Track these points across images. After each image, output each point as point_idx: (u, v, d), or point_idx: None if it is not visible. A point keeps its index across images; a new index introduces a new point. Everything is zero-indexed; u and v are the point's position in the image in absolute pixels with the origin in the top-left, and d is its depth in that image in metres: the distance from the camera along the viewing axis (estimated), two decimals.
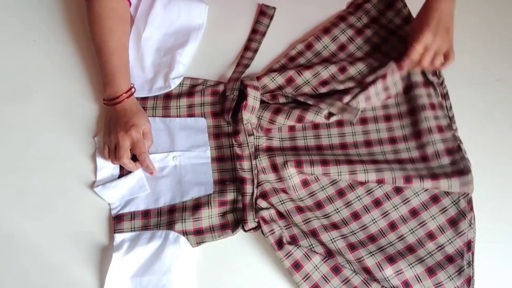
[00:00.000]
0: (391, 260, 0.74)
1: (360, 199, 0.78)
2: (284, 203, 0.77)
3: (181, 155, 0.80)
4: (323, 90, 0.82)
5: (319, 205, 0.78)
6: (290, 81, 0.83)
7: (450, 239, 0.76)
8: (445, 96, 0.84)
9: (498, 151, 0.83)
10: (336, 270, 0.74)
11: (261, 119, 0.80)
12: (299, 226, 0.76)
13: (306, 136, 0.82)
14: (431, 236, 0.76)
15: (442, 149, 0.80)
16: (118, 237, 0.76)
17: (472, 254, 0.76)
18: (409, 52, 0.79)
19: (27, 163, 0.81)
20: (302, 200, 0.78)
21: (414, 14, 0.87)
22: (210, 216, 0.76)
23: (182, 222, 0.75)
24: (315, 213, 0.77)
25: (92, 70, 0.85)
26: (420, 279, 0.73)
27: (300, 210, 0.77)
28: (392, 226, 0.77)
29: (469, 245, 0.76)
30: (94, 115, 0.83)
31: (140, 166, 0.78)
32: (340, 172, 0.77)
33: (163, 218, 0.77)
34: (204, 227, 0.76)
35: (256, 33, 0.88)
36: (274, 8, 0.90)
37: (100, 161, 0.80)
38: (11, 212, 0.78)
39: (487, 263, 0.77)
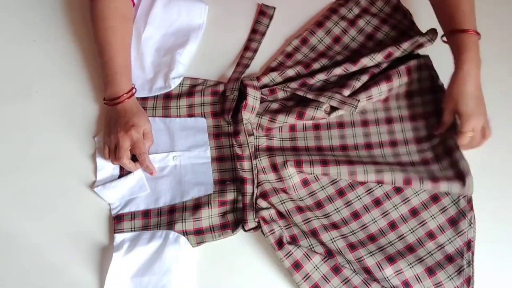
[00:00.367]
0: (391, 260, 0.74)
1: (360, 198, 0.78)
2: (284, 203, 0.77)
3: (181, 155, 0.80)
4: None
5: (319, 205, 0.78)
6: (289, 81, 0.83)
7: (450, 239, 0.76)
8: None
9: (498, 151, 0.83)
10: (336, 270, 0.74)
11: (261, 118, 0.80)
12: (299, 226, 0.76)
13: (306, 137, 0.81)
14: (431, 235, 0.76)
15: (441, 152, 0.79)
16: (118, 237, 0.76)
17: (472, 253, 0.76)
18: (460, 139, 0.75)
19: (27, 163, 0.81)
20: (302, 200, 0.78)
21: (415, 16, 0.87)
22: (210, 216, 0.76)
23: (182, 222, 0.75)
24: (315, 212, 0.77)
25: (92, 70, 0.85)
26: (420, 279, 0.73)
27: (300, 210, 0.77)
28: (392, 225, 0.77)
29: (469, 245, 0.76)
30: (94, 115, 0.83)
31: (140, 166, 0.78)
32: (340, 173, 0.77)
33: (163, 218, 0.77)
34: (204, 227, 0.76)
35: (256, 33, 0.88)
36: (274, 8, 0.90)
37: (100, 161, 0.80)
38: (11, 212, 0.78)
39: (487, 263, 0.77)
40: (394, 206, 0.78)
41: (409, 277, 0.73)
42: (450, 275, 0.74)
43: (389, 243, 0.76)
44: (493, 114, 0.85)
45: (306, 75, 0.83)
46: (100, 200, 0.78)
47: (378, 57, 0.81)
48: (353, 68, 0.81)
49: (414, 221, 0.77)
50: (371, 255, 0.74)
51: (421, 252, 0.75)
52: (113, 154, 0.77)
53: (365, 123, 0.82)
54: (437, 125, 0.80)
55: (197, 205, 0.77)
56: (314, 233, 0.75)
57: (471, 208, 0.77)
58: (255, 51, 0.87)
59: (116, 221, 0.77)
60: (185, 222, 0.75)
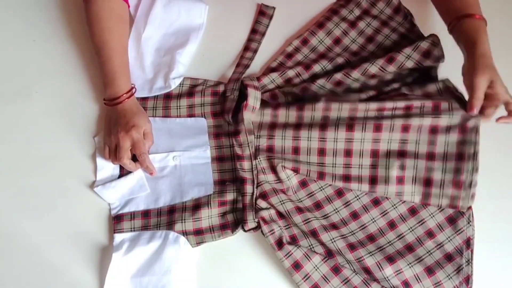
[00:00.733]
0: (390, 259, 0.74)
1: (359, 198, 0.78)
2: (284, 203, 0.77)
3: (181, 155, 0.80)
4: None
5: (318, 206, 0.78)
6: (289, 81, 0.83)
7: (449, 237, 0.76)
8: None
9: (498, 151, 0.83)
10: (336, 270, 0.74)
11: (263, 115, 0.80)
12: (299, 226, 0.76)
13: (310, 137, 0.78)
14: (430, 234, 0.76)
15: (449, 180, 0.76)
16: (118, 237, 0.76)
17: (471, 251, 0.76)
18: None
19: (27, 163, 0.81)
20: (301, 201, 0.78)
21: (415, 14, 0.87)
22: (210, 216, 0.76)
23: (182, 222, 0.75)
24: (315, 213, 0.77)
25: (92, 70, 0.85)
26: (420, 279, 0.74)
27: (299, 210, 0.77)
28: (391, 225, 0.77)
29: (468, 243, 0.76)
30: (94, 115, 0.83)
31: (140, 166, 0.78)
32: (334, 182, 0.77)
33: (163, 218, 0.77)
34: (204, 227, 0.76)
35: (256, 33, 0.88)
36: (274, 8, 0.90)
37: (100, 161, 0.80)
38: (11, 212, 0.78)
39: (487, 263, 0.77)
40: (393, 206, 0.78)
41: (408, 277, 0.74)
42: (449, 274, 0.74)
43: (388, 243, 0.76)
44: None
45: (307, 80, 0.83)
46: (100, 200, 0.78)
47: (379, 62, 0.81)
48: (354, 72, 0.81)
49: (413, 220, 0.77)
50: (371, 255, 0.74)
51: (420, 252, 0.75)
52: (114, 154, 0.77)
53: (378, 128, 0.78)
54: (472, 100, 0.72)
55: (196, 205, 0.77)
56: (314, 233, 0.75)
57: (469, 207, 0.77)
58: (255, 51, 0.86)
59: (116, 221, 0.77)
60: (184, 222, 0.75)
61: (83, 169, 0.80)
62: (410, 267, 0.74)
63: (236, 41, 0.88)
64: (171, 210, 0.77)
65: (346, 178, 0.77)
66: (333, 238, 0.75)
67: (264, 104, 0.81)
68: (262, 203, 0.76)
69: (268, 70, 0.86)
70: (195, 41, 0.87)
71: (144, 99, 0.83)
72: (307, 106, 0.78)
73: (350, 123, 0.76)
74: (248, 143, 0.77)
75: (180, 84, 0.84)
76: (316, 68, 0.83)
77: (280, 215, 0.77)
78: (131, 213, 0.78)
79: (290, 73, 0.83)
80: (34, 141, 0.82)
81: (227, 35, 0.89)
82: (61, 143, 0.82)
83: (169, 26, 0.87)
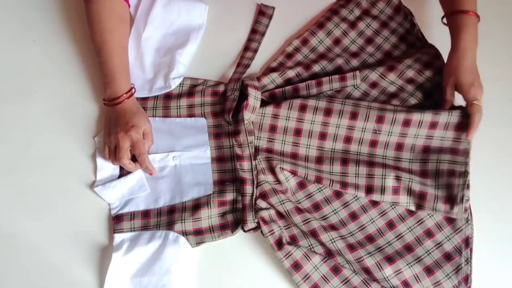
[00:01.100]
0: (390, 260, 0.74)
1: (358, 199, 0.78)
2: (283, 203, 0.77)
3: (181, 155, 0.80)
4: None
5: (316, 207, 0.78)
6: (295, 91, 0.83)
7: (448, 236, 0.76)
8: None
9: (498, 151, 0.83)
10: (336, 270, 0.74)
11: (263, 116, 0.80)
12: (298, 226, 0.76)
13: (309, 145, 0.80)
14: (429, 233, 0.76)
15: (443, 170, 0.77)
16: (118, 237, 0.76)
17: (471, 250, 0.76)
18: (471, 109, 0.75)
19: (27, 163, 0.81)
20: (300, 203, 0.78)
21: (415, 14, 0.87)
22: (209, 216, 0.76)
23: (181, 222, 0.75)
24: (313, 215, 0.77)
25: (92, 70, 0.85)
26: (419, 279, 0.74)
27: (299, 210, 0.77)
28: (390, 225, 0.77)
29: (467, 242, 0.76)
30: (94, 115, 0.83)
31: (140, 166, 0.78)
32: (332, 185, 0.77)
33: (162, 218, 0.77)
34: (203, 227, 0.76)
35: (256, 33, 0.88)
36: (273, 8, 0.90)
37: (100, 161, 0.80)
38: (11, 212, 0.78)
39: (487, 263, 0.77)
40: (391, 206, 0.78)
41: (408, 277, 0.74)
42: (448, 274, 0.74)
43: (387, 243, 0.76)
44: (493, 114, 0.85)
45: (292, 69, 0.83)
46: (100, 200, 0.78)
47: (380, 69, 0.82)
48: (353, 80, 0.82)
49: (412, 219, 0.77)
50: (370, 256, 0.74)
51: (420, 251, 0.75)
52: (113, 154, 0.77)
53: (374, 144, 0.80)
54: (445, 104, 0.79)
55: (196, 206, 0.77)
56: (313, 234, 0.75)
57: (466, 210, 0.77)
58: (255, 51, 0.86)
59: (116, 221, 0.77)
60: (184, 222, 0.75)
61: (83, 169, 0.80)
62: (409, 267, 0.74)
63: (236, 41, 0.88)
64: (171, 210, 0.77)
65: (343, 185, 0.77)
66: (332, 239, 0.75)
67: (264, 104, 0.81)
68: (262, 203, 0.76)
69: (268, 70, 0.86)
70: (195, 41, 0.87)
71: (144, 99, 0.83)
72: (308, 108, 0.78)
73: (348, 136, 0.79)
74: (248, 144, 0.77)
75: (180, 84, 0.84)
76: (316, 68, 0.83)
77: (280, 215, 0.77)
78: (131, 213, 0.78)
79: (290, 73, 0.83)
80: (34, 141, 0.82)
81: (227, 35, 0.89)
82: (61, 143, 0.82)
83: (169, 26, 0.87)
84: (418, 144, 0.79)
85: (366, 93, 0.83)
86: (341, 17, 0.88)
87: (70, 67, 0.86)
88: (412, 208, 0.77)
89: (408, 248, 0.76)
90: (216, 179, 0.79)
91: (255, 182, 0.76)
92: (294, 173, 0.78)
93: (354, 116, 0.78)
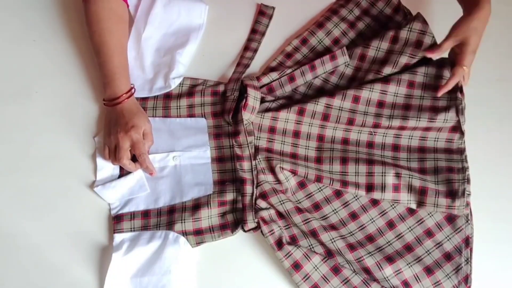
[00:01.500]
0: (390, 259, 0.74)
1: (358, 198, 0.78)
2: (283, 203, 0.77)
3: (181, 155, 0.80)
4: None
5: (316, 207, 0.78)
6: (291, 79, 0.83)
7: (448, 236, 0.76)
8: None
9: (498, 151, 0.83)
10: (336, 270, 0.74)
11: (263, 118, 0.80)
12: (298, 226, 0.76)
13: (308, 146, 0.81)
14: (429, 233, 0.76)
15: (442, 167, 0.78)
16: (118, 237, 0.76)
17: (471, 250, 0.76)
18: (457, 71, 0.76)
19: (27, 163, 0.81)
20: (300, 202, 0.78)
21: (413, 11, 0.87)
22: (209, 216, 0.76)
23: (181, 222, 0.75)
24: (314, 214, 0.77)
25: (92, 70, 0.85)
26: (419, 279, 0.74)
27: (299, 210, 0.77)
28: (390, 224, 0.77)
29: (467, 241, 0.76)
30: (94, 115, 0.83)
31: (140, 166, 0.78)
32: (332, 184, 0.77)
33: (162, 218, 0.77)
34: (203, 227, 0.76)
35: (256, 33, 0.88)
36: (273, 8, 0.90)
37: (100, 161, 0.80)
38: (11, 212, 0.78)
39: (487, 263, 0.77)
40: (391, 205, 0.78)
41: (408, 277, 0.74)
42: (448, 274, 0.74)
43: (387, 243, 0.76)
44: (493, 114, 0.85)
45: (291, 69, 0.83)
46: (100, 200, 0.78)
47: (380, 77, 0.82)
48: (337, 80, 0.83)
49: (412, 219, 0.77)
50: (370, 255, 0.74)
51: (420, 251, 0.75)
52: (113, 154, 0.77)
53: (370, 145, 0.81)
54: (437, 47, 0.76)
55: (196, 206, 0.77)
56: (313, 233, 0.75)
57: (467, 205, 0.77)
58: (255, 51, 0.86)
59: (116, 221, 0.77)
60: (184, 222, 0.75)
61: (83, 169, 0.80)
62: (409, 267, 0.74)
63: (236, 41, 0.88)
64: (171, 210, 0.77)
65: (344, 183, 0.77)
66: (332, 238, 0.75)
67: (265, 106, 0.81)
68: (262, 203, 0.76)
69: (268, 69, 0.86)
70: (195, 41, 0.87)
71: (144, 99, 0.83)
72: (307, 112, 0.79)
73: (346, 138, 0.81)
74: (247, 144, 0.77)
75: (180, 84, 0.84)
76: (319, 70, 0.83)
77: (280, 215, 0.77)
78: (131, 213, 0.78)
79: (289, 72, 0.83)
80: (34, 141, 0.82)
81: (227, 35, 0.89)
82: (61, 143, 0.82)
83: (169, 26, 0.87)
84: (413, 145, 0.80)
85: (358, 68, 0.83)
86: (340, 17, 0.88)
87: (70, 67, 0.86)
88: (413, 206, 0.77)
89: (408, 248, 0.76)
90: (216, 179, 0.79)
91: (255, 182, 0.76)
92: (294, 172, 0.78)
93: (350, 122, 0.80)
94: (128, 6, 0.84)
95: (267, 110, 0.81)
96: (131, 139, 0.75)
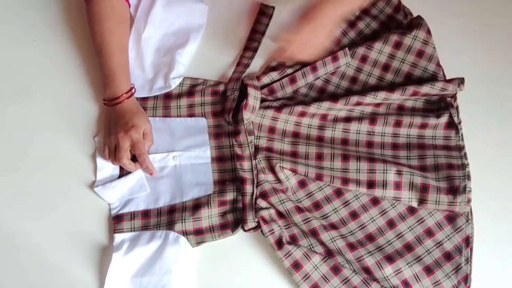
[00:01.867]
0: (390, 259, 0.74)
1: (358, 198, 0.78)
2: (283, 202, 0.77)
3: (181, 155, 0.80)
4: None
5: (317, 206, 0.78)
6: (292, 80, 0.83)
7: (448, 235, 0.76)
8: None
9: (498, 151, 0.83)
10: (336, 270, 0.74)
11: (263, 117, 0.80)
12: (299, 226, 0.76)
13: (308, 143, 0.81)
14: (429, 233, 0.76)
15: (442, 164, 0.79)
16: (118, 237, 0.76)
17: (471, 249, 0.76)
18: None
19: (27, 163, 0.81)
20: (300, 202, 0.78)
21: (414, 12, 0.87)
22: (210, 216, 0.76)
23: (182, 222, 0.75)
24: (314, 214, 0.77)
25: (92, 70, 0.85)
26: (419, 278, 0.74)
27: (299, 209, 0.77)
28: (391, 224, 0.77)
29: (467, 241, 0.76)
30: (94, 115, 0.83)
31: (140, 166, 0.78)
32: (333, 182, 0.77)
33: (163, 218, 0.77)
34: (204, 227, 0.76)
35: (256, 33, 0.88)
36: (273, 8, 0.90)
37: (100, 161, 0.80)
38: (11, 212, 0.78)
39: (487, 263, 0.77)
40: (392, 205, 0.78)
41: (408, 277, 0.74)
42: (447, 274, 0.74)
43: (387, 242, 0.76)
44: (493, 114, 0.85)
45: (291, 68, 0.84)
46: (100, 200, 0.78)
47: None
48: (353, 86, 0.83)
49: (412, 219, 0.77)
50: (370, 255, 0.74)
51: (420, 251, 0.75)
52: (113, 154, 0.77)
53: (370, 145, 0.82)
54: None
55: (196, 205, 0.77)
56: (314, 233, 0.75)
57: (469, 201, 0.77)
58: (256, 50, 0.86)
59: (116, 221, 0.77)
60: (184, 222, 0.75)
61: (83, 169, 0.80)
62: (409, 266, 0.74)
63: (236, 41, 0.88)
64: (171, 210, 0.77)
65: (344, 181, 0.77)
66: (333, 238, 0.75)
67: (266, 106, 0.81)
68: (262, 203, 0.76)
69: (268, 69, 0.86)
70: (195, 41, 0.87)
71: (144, 99, 0.83)
72: (308, 114, 0.80)
73: (345, 139, 0.81)
74: (248, 143, 0.77)
75: (180, 84, 0.84)
76: (320, 71, 0.83)
77: (280, 214, 0.77)
78: (131, 213, 0.78)
79: (290, 72, 0.83)
80: (34, 141, 0.82)
81: (227, 35, 0.89)
82: (61, 143, 0.82)
83: (169, 26, 0.87)
84: (412, 142, 0.81)
85: (359, 69, 0.84)
86: None
87: (70, 67, 0.86)
88: (415, 204, 0.77)
89: (408, 248, 0.76)
90: (216, 179, 0.79)
91: (255, 182, 0.76)
92: (294, 171, 0.78)
93: (348, 119, 0.81)
94: (129, 6, 0.84)
95: (268, 108, 0.81)
96: (131, 139, 0.75)
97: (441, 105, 0.82)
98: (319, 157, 0.79)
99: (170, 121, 0.82)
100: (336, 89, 0.84)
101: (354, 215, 0.77)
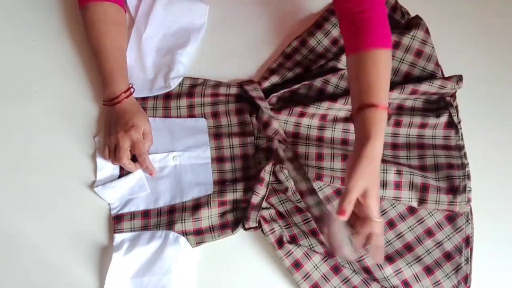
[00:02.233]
0: (390, 259, 0.74)
1: None
2: (283, 203, 0.77)
3: (181, 155, 0.80)
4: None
5: None
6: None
7: (448, 235, 0.76)
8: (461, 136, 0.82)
9: (498, 151, 0.83)
10: (336, 269, 0.74)
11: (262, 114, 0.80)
12: (299, 226, 0.76)
13: (308, 144, 0.81)
14: (429, 233, 0.77)
15: (442, 164, 0.79)
16: (118, 237, 0.76)
17: (471, 249, 0.76)
18: (376, 228, 0.65)
19: (27, 163, 0.81)
20: (300, 202, 0.78)
21: (413, 12, 0.87)
22: (209, 216, 0.76)
23: (181, 222, 0.75)
24: None
25: (92, 70, 0.85)
26: (419, 278, 0.74)
27: (299, 210, 0.77)
28: (391, 224, 0.77)
29: (467, 241, 0.76)
30: (94, 115, 0.83)
31: (139, 166, 0.78)
32: (333, 182, 0.77)
33: (162, 218, 0.77)
34: (203, 227, 0.76)
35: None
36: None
37: (100, 161, 0.80)
38: (11, 212, 0.78)
39: (487, 263, 0.77)
40: (392, 205, 0.78)
41: (408, 277, 0.74)
42: (447, 274, 0.74)
43: (387, 242, 0.76)
44: (493, 114, 0.85)
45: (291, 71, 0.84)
46: (100, 200, 0.78)
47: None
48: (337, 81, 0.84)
49: (413, 219, 0.77)
50: None
51: (420, 251, 0.75)
52: (113, 154, 0.77)
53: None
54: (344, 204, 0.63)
55: (196, 205, 0.77)
56: (314, 233, 0.75)
57: (469, 201, 0.77)
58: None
59: (116, 221, 0.77)
60: (184, 222, 0.75)
61: (83, 169, 0.80)
62: (409, 266, 0.74)
63: (236, 41, 0.88)
64: (171, 210, 0.77)
65: (344, 180, 0.77)
66: None
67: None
68: (262, 203, 0.76)
69: (268, 71, 0.86)
70: (196, 41, 0.87)
71: (144, 99, 0.83)
72: (307, 114, 0.80)
73: (345, 138, 0.82)
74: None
75: (180, 84, 0.84)
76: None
77: (280, 214, 0.77)
78: (131, 213, 0.78)
79: (290, 75, 0.83)
80: (34, 141, 0.82)
81: (228, 35, 0.89)
82: (61, 143, 0.82)
83: (169, 26, 0.87)
84: (412, 142, 0.81)
85: None
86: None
87: (70, 67, 0.86)
88: (415, 204, 0.77)
89: (408, 248, 0.76)
90: (216, 179, 0.79)
91: (268, 186, 0.76)
92: None
93: (347, 120, 0.82)
94: (124, 8, 0.83)
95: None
96: (131, 139, 0.75)
97: (441, 105, 0.82)
98: (319, 157, 0.79)
99: (170, 122, 0.82)
100: (335, 89, 0.84)
101: None
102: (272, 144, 0.77)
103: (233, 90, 0.82)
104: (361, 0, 0.67)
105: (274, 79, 0.83)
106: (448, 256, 0.75)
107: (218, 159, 0.80)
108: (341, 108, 0.81)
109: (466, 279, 0.74)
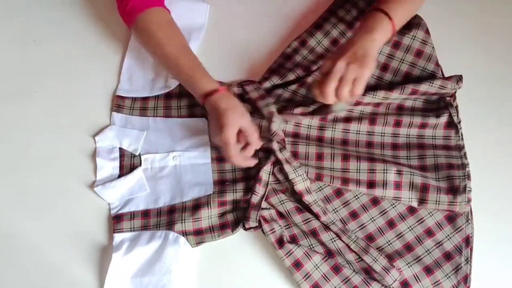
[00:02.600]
0: (389, 259, 0.74)
1: (358, 198, 0.78)
2: (283, 203, 0.77)
3: (181, 155, 0.80)
4: None
5: None
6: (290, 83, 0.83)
7: (448, 235, 0.76)
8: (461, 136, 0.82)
9: (498, 151, 0.83)
10: (336, 269, 0.74)
11: (263, 120, 0.80)
12: (299, 226, 0.76)
13: (308, 143, 0.80)
14: (429, 233, 0.77)
15: (442, 164, 0.79)
16: (118, 237, 0.76)
17: (471, 249, 0.76)
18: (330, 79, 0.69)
19: (27, 163, 0.81)
20: (300, 202, 0.78)
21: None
22: (209, 216, 0.76)
23: (181, 222, 0.75)
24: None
25: (92, 70, 0.85)
26: (419, 278, 0.74)
27: (299, 210, 0.77)
28: (391, 224, 0.77)
29: (467, 241, 0.76)
30: (94, 115, 0.83)
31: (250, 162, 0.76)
32: (333, 182, 0.77)
33: (162, 218, 0.77)
34: (203, 227, 0.76)
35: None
36: None
37: (100, 161, 0.80)
38: (11, 212, 0.78)
39: (487, 263, 0.77)
40: (392, 205, 0.78)
41: (408, 277, 0.74)
42: (447, 274, 0.74)
43: (387, 242, 0.76)
44: (493, 114, 0.85)
45: (291, 72, 0.84)
46: (100, 200, 0.78)
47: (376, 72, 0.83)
48: None
49: (413, 218, 0.77)
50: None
51: (419, 251, 0.75)
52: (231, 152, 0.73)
53: (370, 144, 0.82)
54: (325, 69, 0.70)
55: (196, 206, 0.77)
56: (314, 233, 0.75)
57: (469, 201, 0.77)
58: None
59: (116, 221, 0.77)
60: (184, 222, 0.75)
61: (83, 169, 0.80)
62: (409, 266, 0.74)
63: (237, 41, 0.88)
64: (171, 210, 0.77)
65: (344, 181, 0.77)
66: (333, 238, 0.75)
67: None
68: (262, 203, 0.76)
69: (268, 72, 0.86)
70: (196, 41, 0.87)
71: (145, 99, 0.83)
72: (308, 113, 0.80)
73: (345, 139, 0.81)
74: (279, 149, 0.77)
75: (180, 83, 0.83)
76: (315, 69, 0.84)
77: (280, 215, 0.77)
78: (131, 213, 0.78)
79: (290, 76, 0.83)
80: (34, 141, 0.82)
81: (228, 35, 0.89)
82: (61, 143, 0.82)
83: None
84: (412, 142, 0.81)
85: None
86: (338, 18, 0.88)
87: (70, 67, 0.86)
88: (415, 204, 0.77)
89: (408, 248, 0.76)
90: (216, 179, 0.79)
91: (268, 186, 0.76)
92: None
93: (348, 120, 0.81)
94: (166, 8, 0.80)
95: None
96: (241, 127, 0.72)
97: (441, 105, 0.82)
98: (319, 157, 0.79)
99: (171, 122, 0.82)
100: None
101: (354, 215, 0.77)
102: (271, 144, 0.77)
103: (234, 90, 0.82)
104: None
105: (275, 79, 0.82)
106: (448, 256, 0.75)
107: (218, 159, 0.80)
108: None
109: (466, 279, 0.74)
